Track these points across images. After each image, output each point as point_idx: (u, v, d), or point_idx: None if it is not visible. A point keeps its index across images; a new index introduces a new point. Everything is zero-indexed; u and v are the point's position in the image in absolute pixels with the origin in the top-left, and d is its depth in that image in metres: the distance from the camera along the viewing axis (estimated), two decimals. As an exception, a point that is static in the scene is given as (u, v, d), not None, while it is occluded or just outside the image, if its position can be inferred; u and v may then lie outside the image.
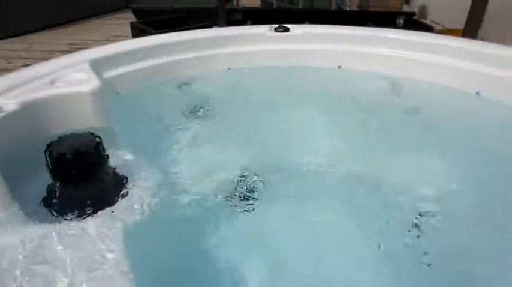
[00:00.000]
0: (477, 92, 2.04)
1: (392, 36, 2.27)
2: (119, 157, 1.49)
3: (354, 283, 1.15)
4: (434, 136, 1.84)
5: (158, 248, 1.22)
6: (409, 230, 1.28)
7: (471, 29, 3.00)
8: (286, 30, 2.30)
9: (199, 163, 1.72)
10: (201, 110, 2.06)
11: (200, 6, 4.90)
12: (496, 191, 1.49)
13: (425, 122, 1.94)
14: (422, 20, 5.08)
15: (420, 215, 1.34)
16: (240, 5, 5.47)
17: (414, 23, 4.65)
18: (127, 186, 1.36)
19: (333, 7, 6.17)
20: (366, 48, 2.31)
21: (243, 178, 1.59)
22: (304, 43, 2.29)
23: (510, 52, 2.01)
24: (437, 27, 5.04)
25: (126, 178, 1.38)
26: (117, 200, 1.28)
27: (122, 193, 1.31)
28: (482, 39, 3.71)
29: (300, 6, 6.14)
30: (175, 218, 1.42)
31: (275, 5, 6.19)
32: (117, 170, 1.41)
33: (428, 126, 1.90)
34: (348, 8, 6.19)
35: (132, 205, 1.28)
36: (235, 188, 1.51)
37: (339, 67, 2.32)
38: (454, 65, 2.11)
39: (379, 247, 1.23)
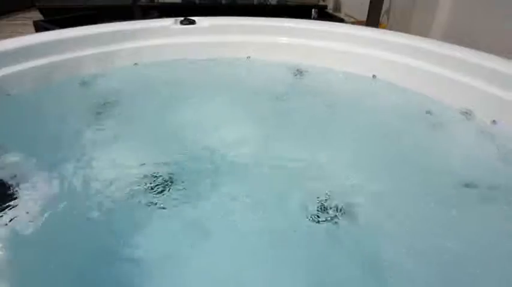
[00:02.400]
0: (373, 75, 2.20)
1: (294, 26, 2.36)
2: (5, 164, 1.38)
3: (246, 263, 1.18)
4: (336, 117, 1.95)
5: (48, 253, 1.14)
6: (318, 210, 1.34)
7: (373, 19, 3.23)
8: (192, 22, 2.28)
9: (108, 163, 1.64)
10: (108, 108, 1.97)
11: (114, 4, 4.69)
12: (391, 160, 1.61)
13: (328, 105, 2.04)
14: (336, 14, 5.36)
15: (326, 194, 1.40)
16: (158, 1, 5.32)
17: (327, 15, 4.88)
18: (15, 194, 1.26)
19: (255, 2, 6.26)
20: (272, 38, 2.38)
21: (155, 174, 1.55)
22: (211, 35, 2.30)
23: (403, 39, 2.18)
24: (350, 19, 5.35)
25: (11, 186, 1.28)
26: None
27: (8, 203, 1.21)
28: (390, 29, 4.01)
29: (224, 1, 6.14)
30: (76, 222, 1.35)
31: (197, 1, 6.12)
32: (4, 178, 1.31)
33: (331, 108, 2.01)
34: (269, 3, 6.32)
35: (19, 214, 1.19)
36: (147, 185, 1.46)
37: (248, 57, 2.35)
38: (352, 50, 2.25)
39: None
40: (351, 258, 1.18)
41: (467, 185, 1.38)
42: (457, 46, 2.03)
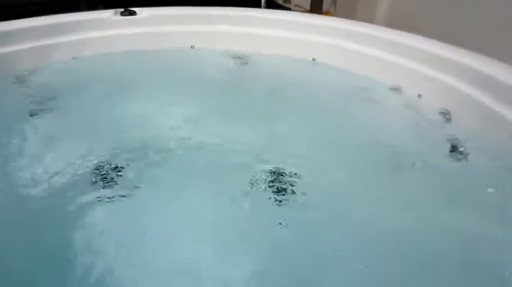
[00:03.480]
0: (313, 59, 2.29)
1: (236, 14, 2.40)
2: None
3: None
4: (278, 99, 2.02)
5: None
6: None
7: (316, 7, 3.34)
8: (133, 13, 2.27)
9: (49, 160, 1.62)
10: (45, 104, 1.93)
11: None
12: (329, 134, 1.71)
13: (271, 89, 2.11)
14: (285, 4, 5.45)
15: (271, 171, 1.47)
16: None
17: (276, 6, 4.94)
18: None
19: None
20: (215, 28, 2.41)
21: (100, 168, 1.55)
22: (152, 26, 2.29)
23: (343, 24, 2.28)
24: (300, 9, 5.45)
25: None
26: None
27: None
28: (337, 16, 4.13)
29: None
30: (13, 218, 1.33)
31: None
32: None
33: (274, 91, 2.08)
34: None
35: None
36: (92, 180, 1.46)
37: (191, 47, 2.37)
38: (292, 36, 2.33)
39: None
40: (288, 223, 1.26)
41: (393, 152, 1.50)
42: (390, 29, 2.16)
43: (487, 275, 1.07)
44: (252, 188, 1.40)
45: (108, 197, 1.39)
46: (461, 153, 1.51)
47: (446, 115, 1.71)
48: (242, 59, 2.35)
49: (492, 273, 1.07)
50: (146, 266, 1.17)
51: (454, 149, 1.53)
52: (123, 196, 1.39)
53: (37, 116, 1.84)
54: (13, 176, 1.50)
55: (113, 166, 1.53)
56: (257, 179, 1.43)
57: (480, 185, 1.32)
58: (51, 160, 1.62)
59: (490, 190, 1.31)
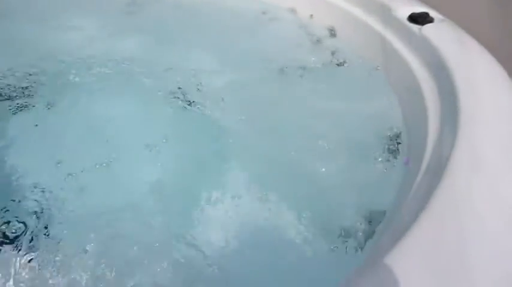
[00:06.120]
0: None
1: None
2: None
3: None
4: (185, 24, 2.11)
5: None
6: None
7: None
8: None
9: None
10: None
11: None
12: (234, 53, 1.89)
13: (179, 18, 2.17)
14: None
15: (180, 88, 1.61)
16: None
17: None
18: None
19: None
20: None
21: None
22: None
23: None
24: None
25: None
26: None
27: None
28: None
29: None
30: None
31: None
32: None
33: (181, 20, 2.15)
34: None
35: None
36: None
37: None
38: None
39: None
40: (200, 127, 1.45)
41: (284, 67, 1.75)
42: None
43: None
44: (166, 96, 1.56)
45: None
46: (341, 61, 1.82)
47: (332, 31, 1.99)
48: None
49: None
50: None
51: (334, 57, 1.83)
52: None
53: None
54: None
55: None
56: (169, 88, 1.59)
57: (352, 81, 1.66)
58: None
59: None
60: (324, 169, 1.29)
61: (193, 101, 1.54)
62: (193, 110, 1.52)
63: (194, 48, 1.90)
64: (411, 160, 1.25)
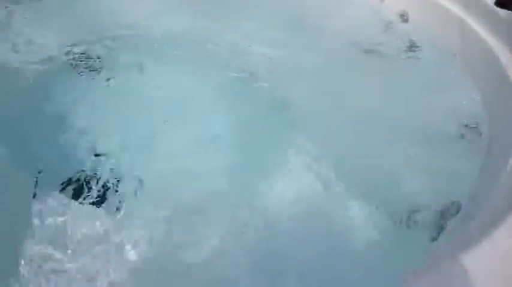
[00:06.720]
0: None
1: None
2: None
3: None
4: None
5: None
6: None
7: None
8: None
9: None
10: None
11: None
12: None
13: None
14: None
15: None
16: None
17: None
18: None
19: None
20: None
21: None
22: None
23: None
24: None
25: None
26: None
27: None
28: None
29: None
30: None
31: None
32: None
33: None
34: None
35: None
36: None
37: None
38: None
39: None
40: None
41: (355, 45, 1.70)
42: None
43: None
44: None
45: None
46: (413, 47, 1.73)
47: (403, 16, 1.90)
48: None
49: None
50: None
51: (406, 43, 1.75)
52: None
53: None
54: None
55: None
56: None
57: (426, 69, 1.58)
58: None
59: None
60: (394, 156, 1.25)
61: (261, 77, 1.54)
62: (261, 86, 1.52)
63: (266, 24, 1.88)
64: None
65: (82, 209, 1.13)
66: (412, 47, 1.74)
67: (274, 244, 1.07)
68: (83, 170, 1.22)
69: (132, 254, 1.02)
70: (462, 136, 1.27)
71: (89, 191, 1.17)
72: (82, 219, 1.08)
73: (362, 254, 1.06)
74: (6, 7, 1.89)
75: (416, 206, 1.11)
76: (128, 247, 1.03)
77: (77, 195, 1.16)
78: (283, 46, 1.67)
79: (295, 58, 1.63)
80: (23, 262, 0.96)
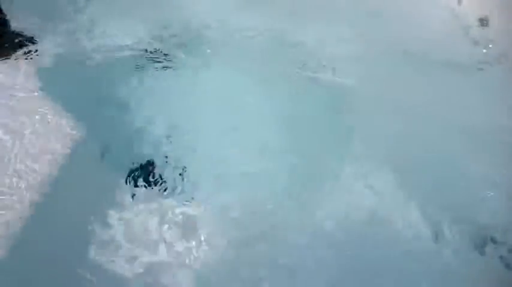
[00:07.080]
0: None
1: None
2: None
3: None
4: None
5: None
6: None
7: None
8: None
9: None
10: None
11: None
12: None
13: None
14: None
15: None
16: None
17: None
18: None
19: None
20: None
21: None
22: None
23: None
24: None
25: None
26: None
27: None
28: None
29: None
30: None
31: None
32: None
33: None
34: None
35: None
36: None
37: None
38: None
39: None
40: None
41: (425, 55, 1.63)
42: None
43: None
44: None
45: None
46: (492, 53, 1.64)
47: (483, 20, 1.80)
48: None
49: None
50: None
51: (484, 48, 1.66)
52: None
53: None
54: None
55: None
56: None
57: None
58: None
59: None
60: (458, 162, 1.21)
61: (322, 74, 1.53)
62: (322, 83, 1.52)
63: (329, 22, 1.86)
64: None
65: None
66: (490, 53, 1.66)
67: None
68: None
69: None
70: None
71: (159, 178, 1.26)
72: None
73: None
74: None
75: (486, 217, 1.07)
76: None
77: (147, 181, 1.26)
78: (355, 51, 1.66)
79: (363, 62, 1.60)
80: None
